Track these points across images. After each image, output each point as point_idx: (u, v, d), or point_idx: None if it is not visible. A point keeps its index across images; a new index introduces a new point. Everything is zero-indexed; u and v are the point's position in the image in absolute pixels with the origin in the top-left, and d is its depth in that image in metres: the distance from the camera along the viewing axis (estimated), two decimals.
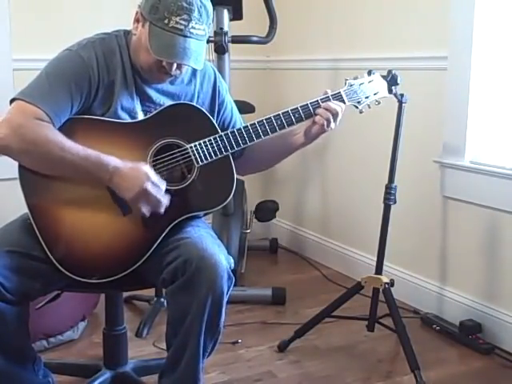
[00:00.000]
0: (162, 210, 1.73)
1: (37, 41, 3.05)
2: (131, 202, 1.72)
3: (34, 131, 1.65)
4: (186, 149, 1.79)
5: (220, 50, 2.85)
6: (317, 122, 1.85)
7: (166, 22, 1.67)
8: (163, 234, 1.77)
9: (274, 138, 1.92)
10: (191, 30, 1.69)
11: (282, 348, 2.47)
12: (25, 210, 1.75)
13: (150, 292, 2.65)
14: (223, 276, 1.66)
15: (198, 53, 1.72)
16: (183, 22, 1.68)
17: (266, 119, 1.84)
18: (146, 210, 1.72)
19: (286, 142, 1.94)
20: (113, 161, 1.69)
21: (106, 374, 2.04)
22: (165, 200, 1.72)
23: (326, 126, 1.84)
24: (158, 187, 1.70)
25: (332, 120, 1.84)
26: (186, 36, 1.69)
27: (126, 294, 2.60)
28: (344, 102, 1.89)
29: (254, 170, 2.13)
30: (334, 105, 1.85)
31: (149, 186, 1.68)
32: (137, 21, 1.76)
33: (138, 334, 2.56)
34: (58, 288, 1.84)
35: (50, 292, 1.85)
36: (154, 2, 1.69)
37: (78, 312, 2.56)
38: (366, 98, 1.93)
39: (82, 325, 2.58)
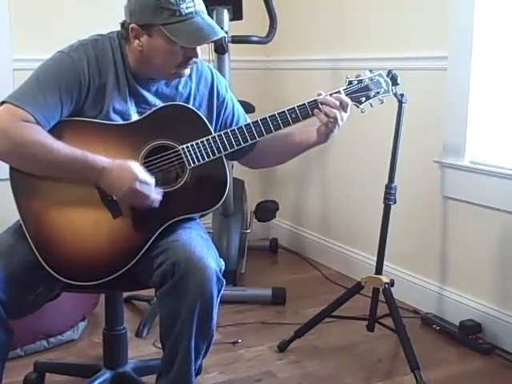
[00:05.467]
0: (156, 205, 1.72)
1: (37, 41, 3.05)
2: (123, 202, 1.72)
3: (20, 133, 1.65)
4: (178, 150, 1.77)
5: (220, 49, 2.85)
6: (321, 121, 1.82)
7: (178, 13, 1.67)
8: (153, 237, 1.76)
9: (287, 135, 1.92)
10: (199, 8, 1.72)
11: (282, 348, 2.47)
12: None
13: (149, 292, 2.62)
14: (211, 279, 1.65)
15: (214, 23, 1.75)
16: (190, 4, 1.69)
17: (261, 120, 1.81)
18: (139, 206, 1.72)
19: (299, 140, 1.92)
20: (100, 161, 1.69)
21: (106, 374, 2.04)
22: (155, 195, 1.72)
23: (330, 126, 1.81)
24: (146, 184, 1.70)
25: (338, 116, 1.80)
26: (200, 15, 1.71)
27: (125, 294, 2.60)
28: None
29: (267, 165, 2.14)
30: (334, 100, 1.81)
31: (137, 185, 1.68)
32: (135, 37, 1.73)
33: (138, 334, 2.56)
34: (56, 294, 1.83)
35: (47, 299, 1.83)
36: (152, 6, 1.67)
37: (78, 312, 2.56)
38: (368, 97, 1.87)
39: (81, 325, 2.58)
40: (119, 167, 1.69)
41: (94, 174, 1.69)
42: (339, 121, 1.81)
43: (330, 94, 1.84)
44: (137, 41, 1.74)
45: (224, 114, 1.95)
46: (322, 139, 1.88)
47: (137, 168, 1.70)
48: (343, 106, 1.82)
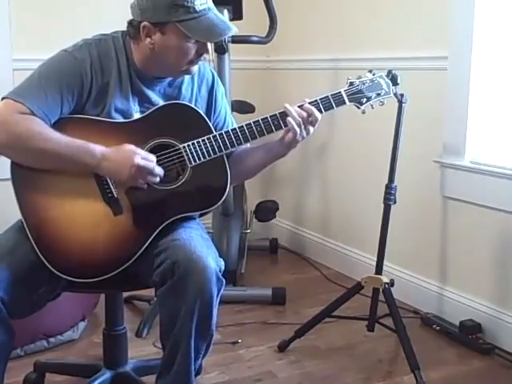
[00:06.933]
0: (158, 180, 1.73)
1: (37, 41, 3.05)
2: (127, 182, 1.72)
3: (18, 125, 1.66)
4: (179, 149, 1.78)
5: (220, 50, 2.85)
6: (290, 129, 1.77)
7: (192, 10, 1.68)
8: (154, 234, 1.76)
9: (254, 148, 1.91)
10: (210, 4, 1.74)
11: (282, 348, 2.47)
12: None
13: (150, 292, 2.62)
14: (211, 279, 1.65)
15: (226, 19, 1.78)
16: (203, 1, 1.70)
17: (262, 119, 1.80)
18: (142, 183, 1.73)
19: (264, 152, 1.89)
20: (99, 147, 1.70)
21: (106, 374, 2.04)
22: (158, 170, 1.72)
23: (298, 135, 1.76)
24: (148, 159, 1.71)
25: (303, 128, 1.76)
26: (213, 11, 1.73)
27: (125, 294, 2.60)
28: (344, 103, 1.84)
29: (234, 180, 1.96)
30: (307, 109, 1.77)
31: (139, 160, 1.68)
32: (146, 35, 1.73)
33: (138, 334, 2.56)
34: (57, 293, 1.83)
35: (49, 299, 1.83)
36: (167, 3, 1.67)
37: (77, 312, 2.56)
38: (369, 98, 1.88)
39: (81, 325, 2.58)
40: (117, 150, 1.70)
41: (93, 160, 1.69)
42: (298, 136, 1.77)
43: (332, 95, 1.82)
44: (148, 39, 1.74)
45: (216, 119, 1.95)
46: (284, 149, 1.83)
47: (133, 146, 1.71)
48: (310, 121, 1.78)
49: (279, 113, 1.81)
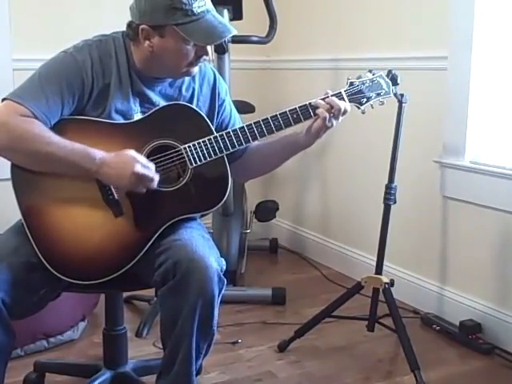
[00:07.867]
0: (156, 186, 1.72)
1: (37, 41, 3.05)
2: (126, 188, 1.72)
3: (19, 127, 1.65)
4: (180, 150, 1.78)
5: (220, 49, 2.85)
6: (319, 115, 1.78)
7: (191, 13, 1.67)
8: (155, 236, 1.76)
9: (276, 140, 1.91)
10: (209, 6, 1.73)
11: (282, 348, 2.47)
12: None
13: (150, 292, 2.62)
14: (213, 279, 1.65)
15: (225, 20, 1.76)
16: (202, 3, 1.70)
17: (262, 120, 1.80)
18: (141, 189, 1.72)
19: (287, 143, 1.90)
20: (99, 153, 1.69)
21: (106, 374, 2.04)
22: (157, 177, 1.72)
23: (327, 121, 1.78)
24: (147, 167, 1.70)
25: (334, 116, 1.79)
26: (211, 12, 1.72)
27: (125, 294, 2.60)
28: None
29: (255, 173, 2.11)
30: (338, 101, 1.79)
31: (139, 168, 1.68)
32: (145, 38, 1.73)
33: (138, 334, 2.56)
34: (58, 293, 1.83)
35: (50, 299, 1.84)
36: (165, 6, 1.66)
37: (77, 312, 2.56)
38: (369, 98, 1.87)
39: (81, 325, 2.58)
40: (117, 156, 1.69)
41: (93, 165, 1.68)
42: (327, 122, 1.79)
43: (333, 95, 1.82)
44: (147, 41, 1.73)
45: (222, 115, 1.95)
46: (310, 139, 1.84)
47: (135, 153, 1.70)
48: (337, 110, 1.79)
49: (280, 113, 1.80)
